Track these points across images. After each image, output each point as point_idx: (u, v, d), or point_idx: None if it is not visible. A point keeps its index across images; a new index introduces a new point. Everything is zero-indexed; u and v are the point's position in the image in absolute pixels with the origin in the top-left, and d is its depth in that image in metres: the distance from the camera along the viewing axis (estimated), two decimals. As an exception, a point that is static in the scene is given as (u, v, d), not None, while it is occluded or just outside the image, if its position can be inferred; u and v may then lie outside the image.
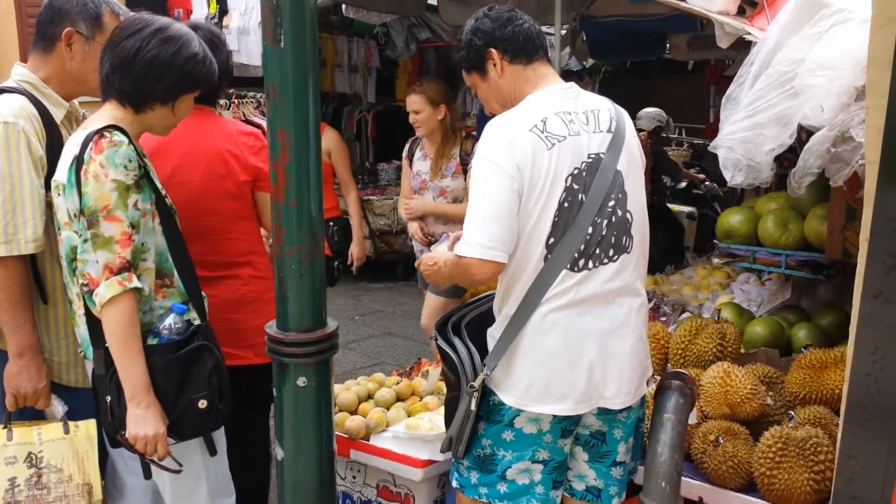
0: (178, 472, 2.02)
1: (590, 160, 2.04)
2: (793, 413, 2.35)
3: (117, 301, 1.89)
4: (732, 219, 3.31)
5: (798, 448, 2.24)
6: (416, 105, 3.94)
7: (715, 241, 3.45)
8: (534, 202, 1.98)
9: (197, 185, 2.48)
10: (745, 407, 2.48)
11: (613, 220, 2.05)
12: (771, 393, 2.63)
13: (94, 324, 1.96)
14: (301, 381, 2.04)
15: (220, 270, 2.52)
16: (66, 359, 2.22)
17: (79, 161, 1.92)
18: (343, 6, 6.50)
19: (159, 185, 2.08)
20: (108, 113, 2.03)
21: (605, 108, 2.15)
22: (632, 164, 2.13)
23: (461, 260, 1.97)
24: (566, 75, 10.25)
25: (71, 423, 2.15)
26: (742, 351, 3.01)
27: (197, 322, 2.08)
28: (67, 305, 2.14)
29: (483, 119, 5.20)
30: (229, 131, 2.58)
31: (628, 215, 2.09)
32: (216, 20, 8.42)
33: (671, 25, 5.78)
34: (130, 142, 1.97)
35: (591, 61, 9.63)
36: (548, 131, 2.01)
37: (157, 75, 2.01)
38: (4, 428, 2.12)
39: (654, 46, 6.76)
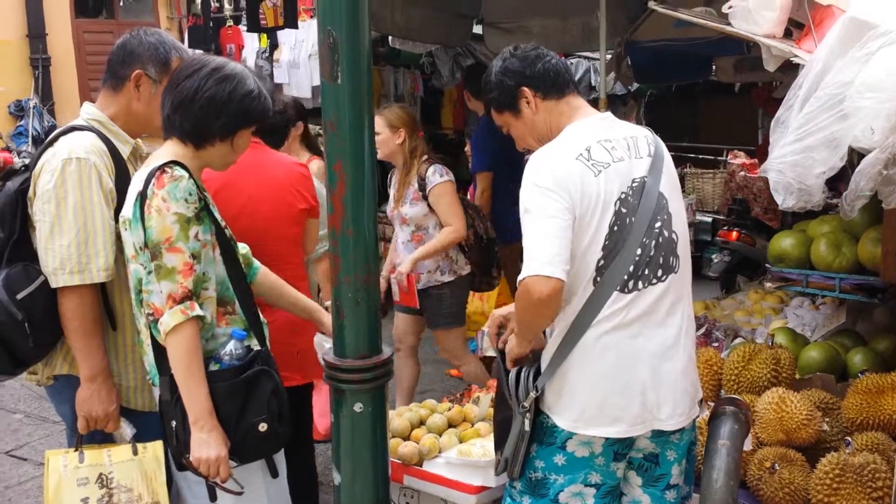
0: (239, 493, 2.08)
1: (635, 184, 2.07)
2: (850, 439, 2.32)
3: (180, 329, 1.96)
4: (784, 242, 3.29)
5: (855, 474, 2.22)
6: (377, 127, 3.74)
7: (767, 264, 3.42)
8: (584, 227, 2.01)
9: (267, 214, 2.66)
10: (800, 433, 2.45)
11: (661, 240, 2.08)
12: (827, 419, 2.60)
13: (161, 351, 2.04)
14: (357, 407, 2.09)
15: None
16: (133, 383, 2.30)
17: (142, 196, 2.01)
18: (389, 38, 6.63)
19: (219, 218, 2.17)
20: (170, 150, 2.13)
21: (641, 135, 2.19)
22: (672, 186, 2.17)
23: (521, 284, 1.98)
24: (611, 100, 10.32)
25: (139, 445, 2.22)
26: (797, 377, 2.98)
27: (257, 348, 2.15)
28: (135, 333, 2.22)
29: (478, 138, 5.21)
30: (288, 164, 2.77)
31: (674, 235, 2.12)
32: (267, 54, 8.66)
33: (717, 48, 5.75)
34: (191, 176, 2.05)
35: (635, 85, 9.61)
36: (593, 159, 2.05)
37: (216, 113, 2.09)
38: (76, 450, 2.20)
39: (699, 69, 6.72)
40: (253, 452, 2.10)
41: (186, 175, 2.04)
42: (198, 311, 2.00)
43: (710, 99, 10.72)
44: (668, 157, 2.21)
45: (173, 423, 2.05)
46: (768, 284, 3.49)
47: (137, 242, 2.04)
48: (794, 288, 3.32)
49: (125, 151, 2.28)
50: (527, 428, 2.09)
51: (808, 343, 3.22)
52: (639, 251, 2.04)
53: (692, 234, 9.04)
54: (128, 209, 2.07)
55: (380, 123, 3.79)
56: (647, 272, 2.06)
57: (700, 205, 9.41)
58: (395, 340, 4.17)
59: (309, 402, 2.97)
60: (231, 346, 2.07)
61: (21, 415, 4.76)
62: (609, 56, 5.71)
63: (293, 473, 2.58)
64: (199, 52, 8.49)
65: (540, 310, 2.01)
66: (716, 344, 3.74)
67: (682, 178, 9.96)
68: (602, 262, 2.02)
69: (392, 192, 4.07)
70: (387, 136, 3.84)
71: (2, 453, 4.25)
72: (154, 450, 2.22)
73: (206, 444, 1.99)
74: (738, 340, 3.67)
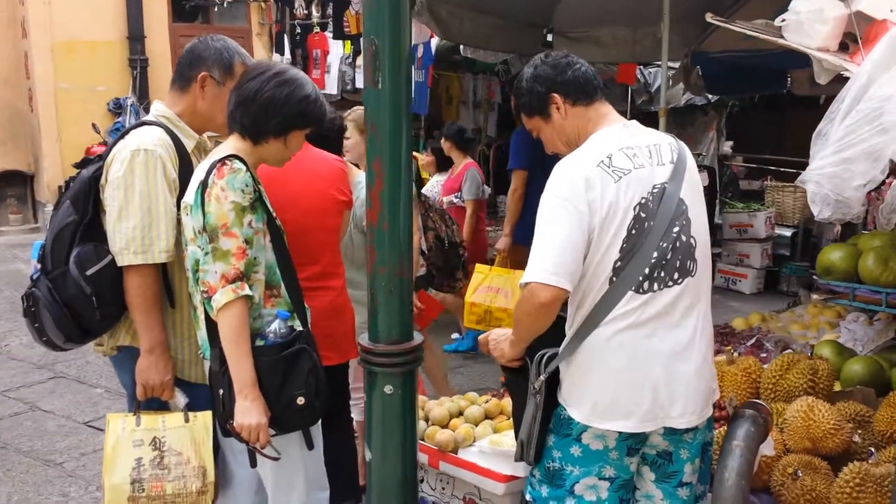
0: (276, 459, 2.26)
1: (655, 190, 2.15)
2: (873, 450, 2.33)
3: (231, 306, 2.17)
4: (833, 255, 3.28)
5: (876, 485, 2.23)
6: (347, 131, 3.80)
7: (815, 276, 3.42)
8: (604, 230, 2.10)
9: (311, 207, 2.81)
10: (827, 442, 2.48)
11: (678, 244, 2.15)
12: (860, 431, 2.61)
13: (212, 326, 2.25)
14: (388, 389, 2.24)
15: (319, 281, 2.79)
16: (188, 357, 2.51)
17: (204, 185, 2.22)
18: (461, 46, 6.79)
19: (271, 208, 2.36)
20: (231, 144, 2.34)
21: (665, 142, 2.26)
22: (694, 192, 2.23)
23: (526, 287, 2.11)
24: (690, 110, 10.19)
25: (190, 414, 2.43)
26: (839, 389, 2.98)
27: (299, 328, 2.33)
28: (191, 310, 2.44)
29: (518, 137, 5.29)
30: (329, 160, 2.95)
31: (692, 240, 2.18)
32: (350, 60, 8.97)
33: (792, 60, 5.66)
34: (248, 169, 2.25)
35: (716, 97, 9.50)
36: (614, 166, 2.14)
37: (272, 112, 2.29)
38: (134, 415, 2.43)
39: (773, 81, 6.62)
40: (291, 423, 2.28)
41: (244, 168, 2.24)
42: (247, 291, 2.19)
43: (794, 111, 10.46)
44: (690, 163, 2.27)
45: (220, 392, 2.25)
46: (815, 296, 3.48)
47: (196, 226, 2.24)
48: (842, 301, 3.31)
49: (189, 145, 2.48)
50: (540, 409, 2.20)
51: (854, 356, 3.20)
52: (655, 254, 2.12)
53: (770, 247, 8.90)
54: (190, 196, 2.28)
55: (349, 127, 3.77)
56: (662, 274, 2.13)
57: (780, 218, 9.22)
58: None
59: (346, 382, 3.11)
60: (276, 325, 2.26)
61: (102, 389, 5.14)
62: (677, 66, 5.74)
63: (332, 449, 2.76)
64: (277, 56, 8.87)
65: (540, 315, 2.13)
66: (764, 355, 3.74)
67: (762, 191, 9.84)
68: (619, 262, 2.10)
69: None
70: (356, 139, 3.81)
71: (81, 423, 4.61)
72: (204, 419, 2.42)
73: (249, 411, 2.18)
74: (787, 352, 3.67)
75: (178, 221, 2.37)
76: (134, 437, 2.38)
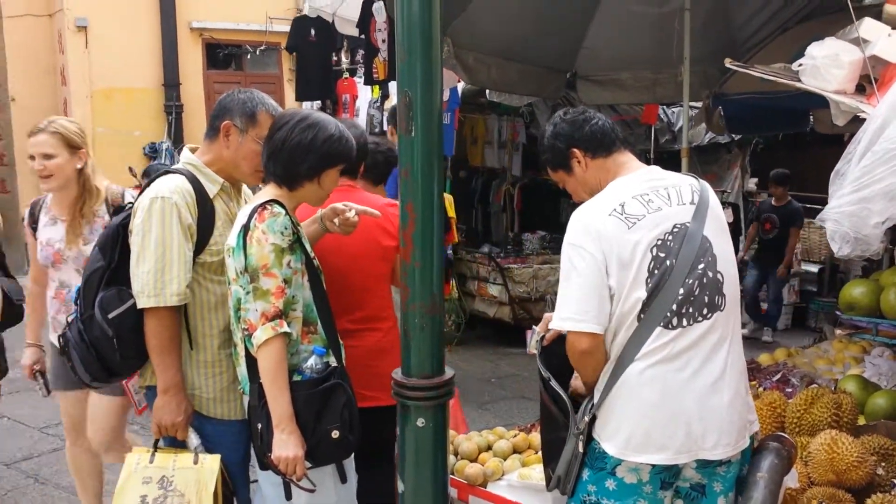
0: (312, 491, 2.35)
1: (675, 230, 2.24)
2: (895, 482, 2.37)
3: (270, 343, 2.28)
4: (855, 291, 3.34)
5: (899, 516, 2.27)
6: (48, 147, 3.12)
7: (838, 312, 3.46)
8: (625, 272, 2.20)
9: (354, 251, 2.88)
10: (851, 475, 2.52)
11: (705, 280, 2.23)
12: (884, 464, 2.65)
13: (252, 362, 2.36)
14: (420, 422, 2.33)
15: (366, 323, 2.88)
16: (211, 395, 2.58)
17: (245, 229, 2.35)
18: (487, 91, 6.96)
19: (309, 249, 2.48)
20: (269, 191, 2.48)
21: (686, 183, 2.36)
22: (718, 229, 2.32)
23: (567, 336, 2.24)
24: (714, 148, 10.26)
25: (200, 455, 2.51)
26: (863, 423, 3.02)
27: (334, 364, 2.43)
28: (215, 350, 2.54)
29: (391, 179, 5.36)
30: (379, 204, 2.94)
31: (719, 276, 2.27)
32: (378, 104, 9.20)
33: (813, 100, 5.74)
34: (287, 213, 2.38)
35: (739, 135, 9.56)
36: (626, 213, 2.25)
37: (301, 157, 2.41)
38: (150, 452, 2.51)
39: (796, 121, 6.70)
40: (325, 456, 2.38)
41: (283, 212, 2.37)
42: (286, 329, 2.31)
43: (818, 148, 10.49)
44: (714, 202, 2.37)
45: (259, 426, 2.35)
46: (838, 331, 3.52)
47: (238, 268, 2.36)
48: (865, 336, 3.35)
49: (213, 190, 2.58)
50: (580, 449, 2.28)
51: (878, 390, 3.23)
52: (682, 290, 2.20)
53: (797, 284, 8.88)
54: (232, 239, 2.41)
55: (51, 143, 3.12)
56: (691, 310, 2.21)
57: (806, 255, 9.22)
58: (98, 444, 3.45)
59: (393, 425, 3.13)
60: (312, 361, 2.37)
61: (137, 426, 5.25)
62: (699, 107, 5.85)
63: (374, 494, 2.82)
64: (307, 102, 9.08)
65: (584, 361, 2.27)
66: (790, 390, 3.77)
67: (788, 227, 9.84)
68: (645, 300, 2.19)
69: (52, 230, 3.27)
70: (65, 158, 3.16)
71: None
72: (212, 462, 2.49)
73: (286, 444, 2.28)
74: (812, 387, 3.70)
75: (195, 263, 2.49)
76: (144, 474, 2.45)
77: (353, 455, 2.51)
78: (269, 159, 2.45)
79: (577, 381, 2.42)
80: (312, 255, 2.49)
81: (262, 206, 2.37)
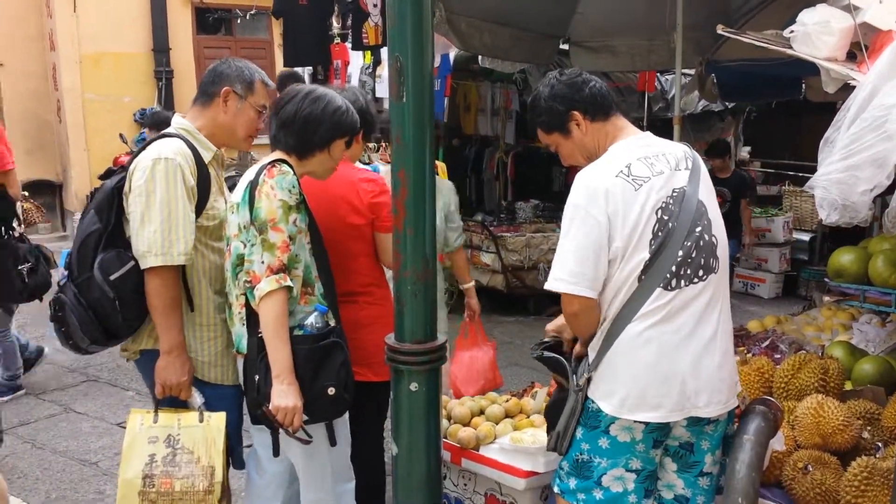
0: (308, 442, 2.39)
1: (675, 194, 2.28)
2: (880, 444, 2.42)
3: (274, 295, 2.33)
4: (843, 258, 3.37)
5: (883, 478, 2.32)
6: None
7: (826, 279, 3.50)
8: (630, 233, 2.23)
9: (322, 226, 2.77)
10: (836, 438, 2.57)
11: (701, 243, 2.27)
12: (869, 427, 2.70)
13: (251, 317, 2.40)
14: (413, 386, 2.36)
15: (341, 298, 2.79)
16: (208, 358, 2.62)
17: (253, 184, 2.41)
18: (480, 57, 6.91)
19: (311, 213, 2.52)
20: (278, 155, 2.52)
21: (679, 150, 2.40)
22: (710, 195, 2.36)
23: (561, 296, 2.27)
24: (708, 116, 10.24)
25: (205, 414, 2.54)
26: (851, 388, 3.06)
27: (333, 324, 2.47)
28: (211, 314, 2.57)
29: None
30: (351, 179, 2.88)
31: (714, 239, 2.31)
32: (370, 70, 9.12)
33: (805, 68, 5.73)
34: (294, 174, 2.43)
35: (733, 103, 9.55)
36: (633, 174, 2.26)
37: (313, 127, 2.49)
38: (153, 412, 2.54)
39: (788, 88, 6.69)
40: (321, 412, 2.42)
41: (291, 172, 2.43)
42: (289, 283, 2.36)
43: (811, 116, 10.47)
44: (704, 169, 2.41)
45: (256, 377, 2.39)
46: (826, 298, 3.56)
47: (242, 222, 2.42)
48: (853, 303, 3.39)
49: (207, 157, 2.61)
50: (580, 405, 2.33)
51: (865, 356, 3.28)
52: (681, 252, 2.24)
53: (788, 252, 8.94)
54: (237, 195, 2.47)
55: None
56: (688, 272, 2.25)
57: (798, 223, 9.27)
58: None
59: (381, 404, 3.01)
60: (313, 318, 2.42)
61: (133, 392, 5.31)
62: (692, 74, 5.83)
63: (362, 450, 2.87)
64: (298, 68, 8.96)
65: (577, 322, 2.33)
66: (778, 356, 3.82)
67: (779, 196, 9.87)
68: (647, 262, 2.22)
69: None
70: None
71: (114, 424, 4.78)
72: (217, 420, 2.54)
73: (286, 394, 2.32)
74: (800, 353, 3.74)
75: (198, 227, 2.52)
76: (150, 434, 2.48)
77: (347, 418, 2.55)
78: (280, 130, 2.51)
79: (579, 347, 2.45)
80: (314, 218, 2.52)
81: (272, 163, 2.43)
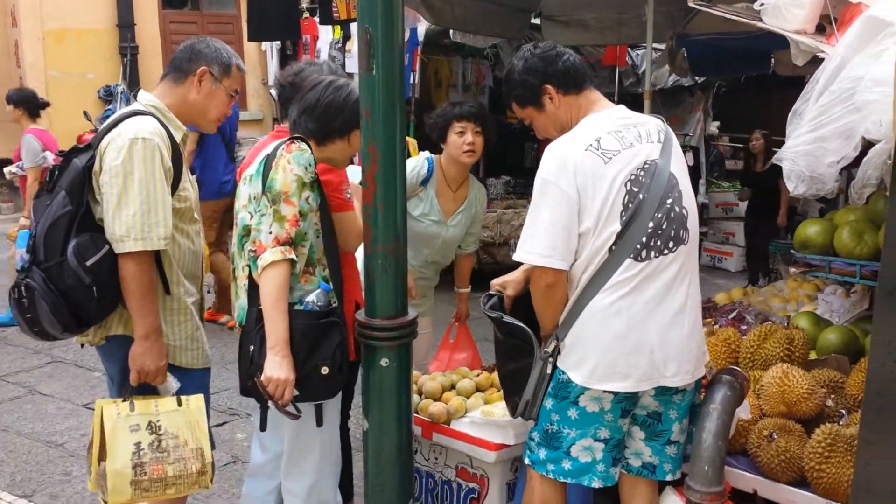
0: (296, 417, 2.37)
1: (646, 166, 2.28)
2: (844, 412, 2.46)
3: (277, 266, 2.30)
4: (809, 230, 3.41)
5: (846, 444, 2.36)
6: None
7: (793, 251, 3.55)
8: (600, 205, 2.24)
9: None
10: (801, 406, 2.61)
11: (672, 215, 2.28)
12: (833, 396, 2.74)
13: (254, 288, 2.38)
14: (384, 362, 2.36)
15: None
16: (181, 343, 2.58)
17: (269, 157, 2.41)
18: (451, 31, 6.86)
19: (325, 195, 2.49)
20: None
21: (652, 123, 2.40)
22: (681, 168, 2.37)
23: (533, 271, 2.28)
24: (678, 91, 10.28)
25: (182, 398, 2.51)
26: (815, 357, 3.11)
27: (335, 304, 2.44)
28: (182, 297, 2.53)
29: None
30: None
31: (684, 211, 2.32)
32: (340, 45, 9.01)
33: (774, 42, 5.77)
34: (312, 153, 2.42)
35: (703, 78, 9.59)
36: (602, 148, 2.26)
37: (335, 114, 2.50)
38: (125, 401, 2.47)
39: (758, 62, 6.74)
40: (312, 391, 2.38)
41: (309, 150, 2.42)
42: (293, 256, 2.33)
43: (779, 91, 10.55)
44: (676, 142, 2.43)
45: (251, 348, 2.37)
46: (793, 269, 3.61)
47: (253, 193, 2.41)
48: (819, 274, 3.44)
49: (178, 136, 2.54)
50: (548, 370, 2.34)
51: (830, 326, 3.33)
52: (651, 224, 2.25)
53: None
54: (252, 167, 2.48)
55: None
56: (659, 243, 2.26)
57: (766, 197, 9.35)
58: None
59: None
60: (315, 295, 2.39)
61: (99, 372, 5.22)
62: (662, 49, 5.83)
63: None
64: (266, 43, 8.74)
65: (550, 293, 2.31)
66: (745, 327, 3.87)
67: (749, 170, 9.95)
68: (617, 232, 2.23)
69: None
70: None
71: (80, 405, 4.72)
72: (196, 402, 2.51)
73: (280, 366, 2.29)
74: (766, 324, 3.80)
75: (174, 210, 2.45)
76: (130, 423, 2.43)
77: (339, 400, 2.53)
78: (301, 116, 2.52)
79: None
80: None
81: (291, 139, 2.43)
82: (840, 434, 2.39)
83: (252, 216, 2.41)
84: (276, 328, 2.30)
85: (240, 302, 2.50)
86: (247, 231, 2.42)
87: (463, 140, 3.44)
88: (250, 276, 2.40)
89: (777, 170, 7.92)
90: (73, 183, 2.40)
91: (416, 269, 3.58)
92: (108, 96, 10.76)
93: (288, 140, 2.43)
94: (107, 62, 11.02)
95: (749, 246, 8.17)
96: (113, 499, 2.38)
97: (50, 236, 2.38)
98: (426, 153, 3.63)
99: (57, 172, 2.46)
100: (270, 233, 2.33)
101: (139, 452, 2.40)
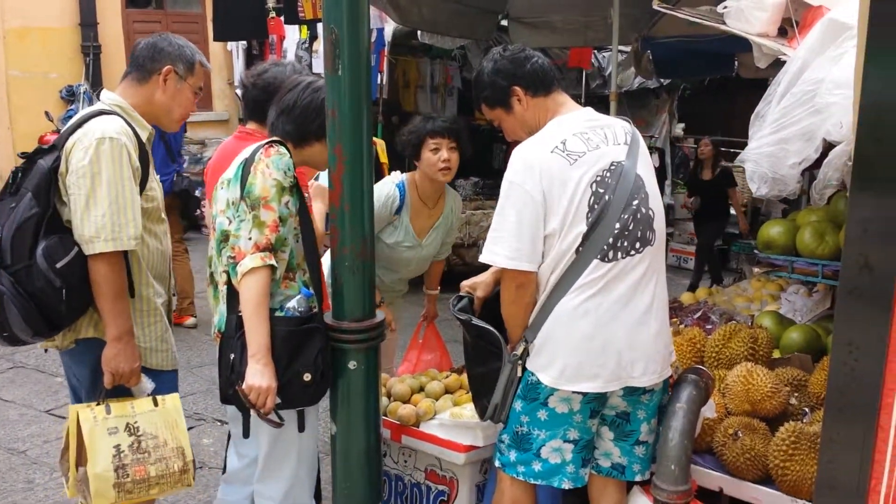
0: (279, 425, 2.32)
1: (612, 167, 2.30)
2: (807, 410, 2.50)
3: (256, 272, 2.24)
4: (772, 230, 3.46)
5: (810, 442, 2.40)
6: None
7: (756, 251, 3.60)
8: (567, 207, 2.25)
9: None
10: (765, 404, 2.64)
11: (638, 216, 2.30)
12: (797, 394, 2.78)
13: (233, 295, 2.33)
14: (352, 364, 2.34)
15: None
16: (151, 344, 2.55)
17: (247, 162, 2.35)
18: (419, 32, 6.85)
19: (304, 199, 2.46)
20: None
21: (619, 125, 2.42)
22: (648, 169, 2.39)
23: (504, 273, 2.29)
24: (644, 93, 10.37)
25: (158, 398, 2.48)
26: (779, 356, 3.16)
27: (316, 310, 2.40)
28: (150, 299, 2.50)
29: None
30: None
31: (650, 212, 2.34)
32: (307, 45, 8.96)
33: (738, 44, 5.85)
34: (291, 157, 2.38)
35: (668, 80, 9.70)
36: (568, 150, 2.27)
37: (312, 115, 2.44)
38: (100, 404, 2.44)
39: (721, 65, 6.83)
40: (293, 397, 2.33)
41: (288, 154, 2.38)
42: (273, 262, 2.28)
43: (743, 93, 10.73)
44: (643, 144, 2.45)
45: (231, 356, 2.32)
46: (756, 269, 3.66)
47: (231, 198, 2.36)
48: (782, 274, 3.49)
49: (143, 135, 2.50)
50: (518, 374, 2.34)
51: (792, 325, 3.38)
52: (618, 225, 2.26)
53: (721, 227, 9.14)
54: (230, 172, 2.43)
55: None
56: (625, 244, 2.28)
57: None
58: None
59: None
60: (295, 302, 2.34)
61: (61, 378, 5.12)
62: (628, 51, 5.88)
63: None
64: (231, 43, 8.63)
65: (519, 294, 2.31)
66: (710, 327, 3.91)
67: (713, 171, 10.07)
68: (584, 234, 2.24)
69: None
70: None
71: (43, 412, 4.63)
72: (172, 401, 2.48)
73: (261, 374, 2.24)
74: (730, 323, 3.84)
75: (143, 210, 2.42)
76: (108, 426, 2.40)
77: (318, 407, 2.50)
78: (279, 117, 2.47)
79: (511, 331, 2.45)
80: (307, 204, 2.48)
81: (270, 143, 2.38)
82: (804, 432, 2.42)
83: (230, 221, 2.36)
84: (257, 335, 2.26)
85: (219, 308, 2.45)
86: (225, 236, 2.37)
87: (438, 157, 3.28)
88: (229, 283, 2.36)
89: (726, 178, 8.17)
90: (38, 185, 2.36)
91: (386, 283, 3.54)
92: (70, 96, 10.55)
93: (266, 143, 2.38)
94: (69, 61, 10.81)
95: (697, 245, 8.32)
96: (97, 502, 2.36)
97: (17, 239, 2.33)
98: (396, 176, 3.50)
99: (20, 174, 2.41)
100: (250, 239, 2.27)
101: (119, 455, 2.38)
